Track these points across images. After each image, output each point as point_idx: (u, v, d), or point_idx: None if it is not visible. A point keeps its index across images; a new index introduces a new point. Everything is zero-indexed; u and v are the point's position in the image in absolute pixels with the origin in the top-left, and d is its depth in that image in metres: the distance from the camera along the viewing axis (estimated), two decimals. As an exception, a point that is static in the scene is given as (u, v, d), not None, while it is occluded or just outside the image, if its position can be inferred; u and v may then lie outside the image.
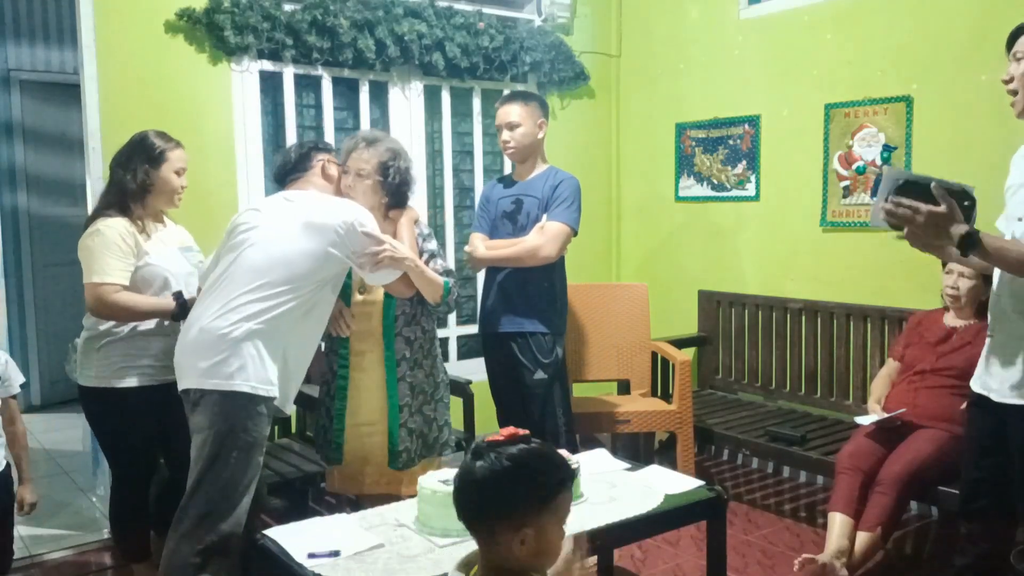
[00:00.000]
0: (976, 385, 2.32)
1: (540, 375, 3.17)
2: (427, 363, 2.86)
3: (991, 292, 2.27)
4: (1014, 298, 2.14)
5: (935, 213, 1.93)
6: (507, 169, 4.72)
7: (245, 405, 2.34)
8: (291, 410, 2.56)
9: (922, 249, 2.05)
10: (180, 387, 2.43)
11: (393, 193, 2.80)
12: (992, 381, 2.23)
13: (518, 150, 3.22)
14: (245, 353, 2.34)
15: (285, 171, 2.71)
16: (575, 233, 3.20)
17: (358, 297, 2.81)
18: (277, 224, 2.47)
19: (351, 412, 2.83)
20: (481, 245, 3.25)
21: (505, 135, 3.21)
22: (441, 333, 4.22)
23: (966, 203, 2.00)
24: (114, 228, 2.65)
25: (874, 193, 3.74)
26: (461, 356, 4.58)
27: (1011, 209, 2.24)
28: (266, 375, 2.38)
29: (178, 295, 2.70)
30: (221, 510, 2.32)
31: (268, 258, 2.41)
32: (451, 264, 4.45)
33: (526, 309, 3.18)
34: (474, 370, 4.27)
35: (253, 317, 2.36)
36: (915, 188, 1.97)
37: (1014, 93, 2.14)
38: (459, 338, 4.61)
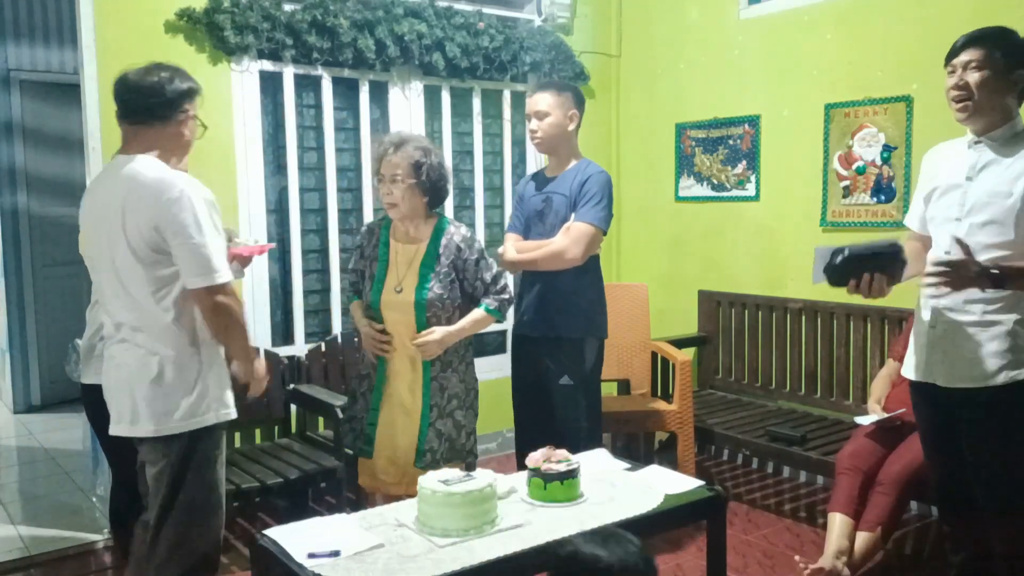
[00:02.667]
0: (918, 375, 2.44)
1: (566, 380, 3.06)
2: (461, 368, 2.85)
3: (926, 285, 2.41)
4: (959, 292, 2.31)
5: (962, 264, 2.18)
6: (507, 170, 4.74)
7: (188, 438, 2.20)
8: (233, 414, 2.33)
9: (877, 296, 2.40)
10: (113, 431, 2.26)
11: (430, 191, 2.77)
12: (938, 369, 2.36)
13: (544, 141, 3.10)
14: (167, 388, 2.16)
15: (141, 107, 2.20)
16: (604, 232, 3.07)
17: (393, 294, 2.79)
18: (109, 230, 2.15)
19: (385, 409, 2.83)
20: (512, 248, 3.14)
21: (533, 124, 3.09)
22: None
23: (898, 261, 2.36)
24: None
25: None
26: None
27: (941, 210, 2.39)
28: (199, 403, 2.20)
29: None
30: (194, 534, 2.23)
31: (121, 275, 2.16)
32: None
33: (557, 312, 3.07)
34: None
35: (149, 345, 2.15)
36: (859, 258, 2.36)
37: (967, 98, 2.29)
38: (459, 338, 4.61)
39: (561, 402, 3.08)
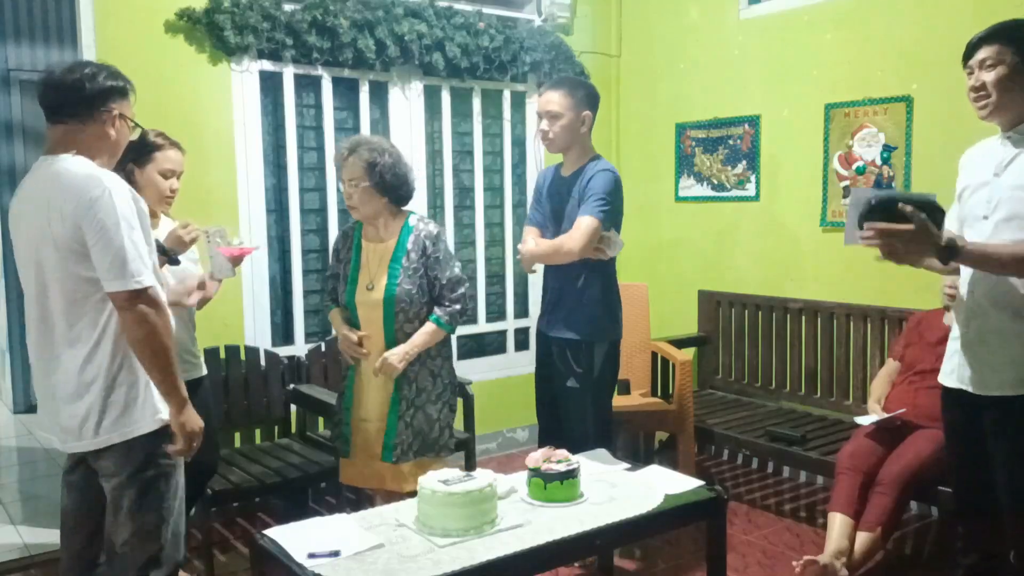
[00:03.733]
0: (950, 380, 2.39)
1: (572, 383, 3.01)
2: (432, 363, 2.87)
3: (959, 289, 2.37)
4: (990, 294, 2.24)
5: (910, 232, 2.05)
6: (507, 170, 4.74)
7: (149, 439, 2.09)
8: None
9: (901, 263, 2.18)
10: (67, 449, 2.12)
11: (387, 190, 2.81)
12: (971, 374, 2.31)
13: (554, 142, 3.00)
14: (120, 393, 2.05)
15: (63, 102, 2.08)
16: (606, 227, 2.93)
17: (365, 293, 2.84)
18: (36, 235, 2.04)
19: (356, 406, 2.90)
20: (531, 240, 3.07)
21: (544, 124, 2.98)
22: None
23: (936, 213, 2.13)
24: None
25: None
26: (461, 356, 4.58)
27: (972, 208, 2.33)
28: (152, 403, 2.09)
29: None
30: (160, 547, 2.12)
31: (47, 279, 2.04)
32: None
33: (567, 314, 3.02)
34: (474, 370, 4.28)
35: (83, 352, 2.03)
36: (886, 206, 2.10)
37: (986, 97, 2.24)
38: (459, 338, 4.60)
39: (567, 404, 3.05)
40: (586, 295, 3.00)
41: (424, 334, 2.81)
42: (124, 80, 2.16)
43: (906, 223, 2.05)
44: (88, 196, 1.96)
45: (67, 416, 2.07)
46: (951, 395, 2.40)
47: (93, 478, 2.15)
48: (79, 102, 2.06)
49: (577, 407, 3.03)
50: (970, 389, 2.31)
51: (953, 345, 2.39)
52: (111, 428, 2.05)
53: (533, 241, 3.06)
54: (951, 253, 2.09)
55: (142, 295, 1.97)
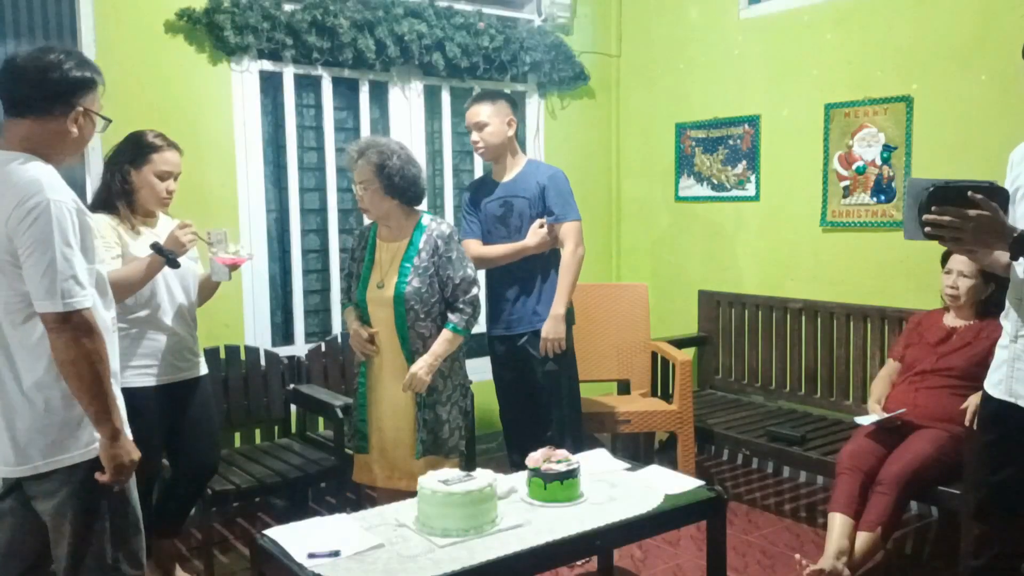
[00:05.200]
0: (999, 392, 2.19)
1: (551, 366, 3.22)
2: (443, 364, 2.88)
3: (1010, 294, 2.17)
4: None
5: (983, 216, 1.87)
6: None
7: (95, 460, 1.90)
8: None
9: (967, 253, 1.99)
10: (8, 473, 1.92)
11: (397, 192, 2.84)
12: (1018, 387, 2.12)
13: (488, 149, 3.27)
14: (71, 413, 1.87)
15: (22, 94, 1.85)
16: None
17: (376, 291, 2.87)
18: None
19: (373, 404, 2.93)
20: (487, 248, 3.30)
21: (474, 136, 3.27)
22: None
23: (1000, 196, 1.95)
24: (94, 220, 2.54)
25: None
26: (461, 356, 4.57)
27: (1021, 211, 2.13)
28: (86, 429, 1.90)
29: (153, 245, 2.54)
30: (120, 562, 1.93)
31: (7, 289, 1.83)
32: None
33: (539, 305, 3.24)
34: (474, 370, 4.26)
35: (49, 367, 1.85)
36: (945, 194, 1.92)
37: None
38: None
39: (546, 390, 3.23)
40: (547, 286, 3.25)
41: (443, 343, 2.84)
42: (92, 70, 1.93)
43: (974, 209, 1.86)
44: (24, 206, 1.76)
45: (9, 438, 1.89)
46: (996, 405, 2.21)
47: (29, 503, 1.95)
48: (40, 96, 1.84)
49: (555, 390, 3.25)
50: (1018, 403, 2.12)
51: (1002, 355, 2.19)
52: (59, 450, 1.88)
53: (486, 248, 3.31)
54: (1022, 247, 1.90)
55: (72, 318, 1.78)
